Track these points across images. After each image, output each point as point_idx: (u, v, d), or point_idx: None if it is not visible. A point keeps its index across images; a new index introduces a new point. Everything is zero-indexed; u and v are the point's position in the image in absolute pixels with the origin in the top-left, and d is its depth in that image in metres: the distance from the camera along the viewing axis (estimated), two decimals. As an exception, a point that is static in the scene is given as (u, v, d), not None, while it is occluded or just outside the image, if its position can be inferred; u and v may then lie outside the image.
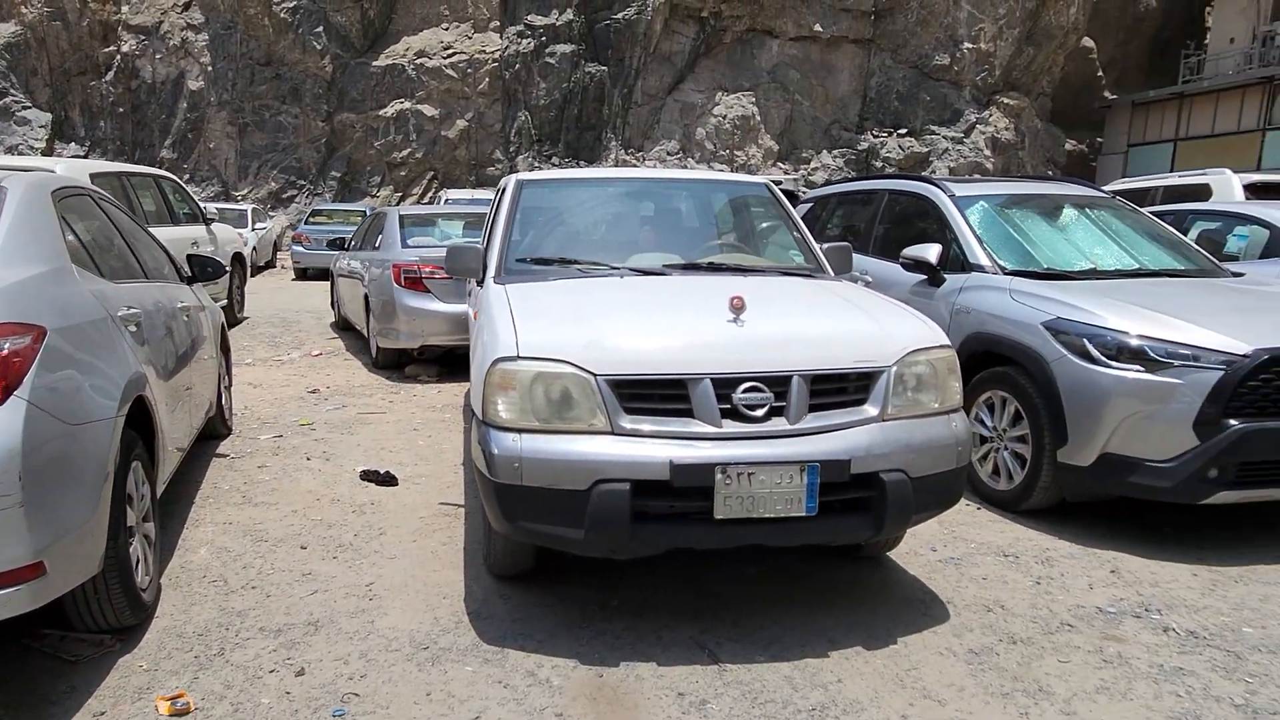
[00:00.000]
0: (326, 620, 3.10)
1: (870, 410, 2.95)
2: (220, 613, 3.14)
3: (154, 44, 25.69)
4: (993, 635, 3.07)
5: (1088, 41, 27.72)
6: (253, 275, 18.87)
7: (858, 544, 3.60)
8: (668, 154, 25.48)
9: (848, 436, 2.88)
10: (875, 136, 25.56)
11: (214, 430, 5.30)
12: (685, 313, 3.12)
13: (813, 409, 2.91)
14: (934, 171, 24.35)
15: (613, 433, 2.80)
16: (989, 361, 4.50)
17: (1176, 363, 3.74)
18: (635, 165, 25.19)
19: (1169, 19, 29.24)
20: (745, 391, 2.84)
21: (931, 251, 4.95)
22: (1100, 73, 28.76)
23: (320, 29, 25.06)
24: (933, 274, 5.00)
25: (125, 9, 26.13)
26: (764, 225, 4.48)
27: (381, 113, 25.26)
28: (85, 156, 25.40)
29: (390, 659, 2.85)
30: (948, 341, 3.17)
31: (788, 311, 3.19)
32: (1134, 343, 3.82)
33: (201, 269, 4.85)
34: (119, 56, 25.79)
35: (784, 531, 2.86)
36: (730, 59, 26.18)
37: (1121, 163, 26.87)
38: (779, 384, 2.88)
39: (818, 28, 25.44)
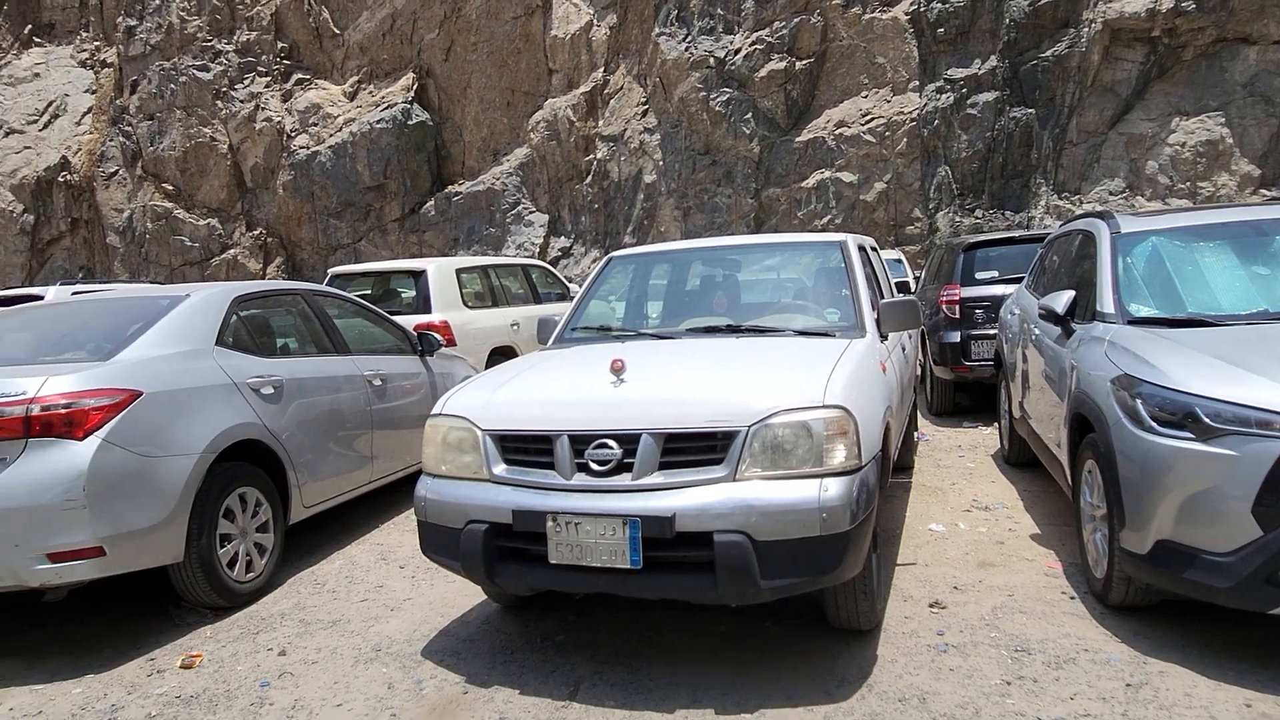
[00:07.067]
0: (344, 620, 3.92)
1: (721, 470, 2.96)
2: (293, 606, 4.13)
3: (619, 148, 30.23)
4: (864, 723, 2.81)
5: None
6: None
7: (822, 613, 3.45)
8: (1110, 194, 22.84)
9: (682, 495, 2.94)
10: None
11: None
12: (581, 375, 3.42)
13: (666, 466, 3.02)
14: None
15: (489, 480, 3.23)
16: (1087, 426, 3.85)
17: (1234, 429, 2.95)
18: (1072, 209, 23.09)
19: None
20: (595, 448, 3.07)
21: (1060, 300, 4.32)
22: None
23: (749, 115, 27.32)
24: (1063, 325, 4.36)
25: (600, 123, 31.26)
26: (826, 284, 4.39)
27: (803, 184, 26.49)
28: (570, 249, 30.79)
29: (348, 653, 3.56)
30: (834, 402, 3.00)
31: (669, 372, 3.31)
32: (1185, 402, 3.09)
33: (425, 344, 6.15)
34: (595, 162, 30.86)
35: (617, 582, 3.00)
36: (1191, 78, 22.68)
37: None
38: (630, 441, 3.05)
39: (1313, 23, 20.98)
